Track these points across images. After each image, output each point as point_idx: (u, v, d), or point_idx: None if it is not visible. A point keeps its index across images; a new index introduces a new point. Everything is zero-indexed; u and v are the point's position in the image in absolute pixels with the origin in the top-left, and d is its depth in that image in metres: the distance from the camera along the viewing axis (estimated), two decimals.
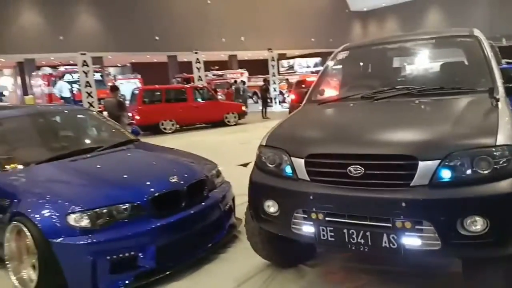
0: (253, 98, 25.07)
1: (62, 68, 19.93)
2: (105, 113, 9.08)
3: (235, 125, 14.09)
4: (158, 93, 13.80)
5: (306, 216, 2.43)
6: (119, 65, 35.29)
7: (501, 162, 2.09)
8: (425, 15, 31.87)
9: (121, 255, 2.88)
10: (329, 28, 33.37)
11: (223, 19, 29.59)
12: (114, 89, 9.05)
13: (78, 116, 4.91)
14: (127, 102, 14.19)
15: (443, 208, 2.11)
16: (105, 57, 26.89)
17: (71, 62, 21.10)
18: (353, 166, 2.27)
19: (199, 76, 17.22)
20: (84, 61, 14.35)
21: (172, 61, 29.43)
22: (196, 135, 12.55)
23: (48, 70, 19.49)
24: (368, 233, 2.24)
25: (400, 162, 2.20)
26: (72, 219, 2.80)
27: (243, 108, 14.97)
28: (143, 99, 13.29)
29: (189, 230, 3.27)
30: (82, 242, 2.77)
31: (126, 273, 2.92)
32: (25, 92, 26.40)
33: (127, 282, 2.91)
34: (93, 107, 13.80)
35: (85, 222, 2.82)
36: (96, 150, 3.90)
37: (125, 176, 3.45)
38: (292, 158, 2.53)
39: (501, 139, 2.14)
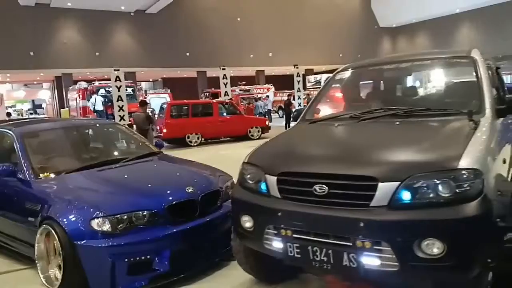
0: (279, 113, 25.36)
1: (96, 83, 20.87)
2: (134, 127, 9.56)
3: (258, 138, 14.33)
4: (185, 107, 14.27)
5: (276, 232, 2.48)
6: (151, 80, 36.49)
7: (463, 186, 2.06)
8: (456, 31, 31.41)
9: (138, 258, 3.12)
10: (358, 44, 33.40)
11: (251, 36, 30.20)
12: (143, 103, 9.53)
13: (107, 129, 5.28)
14: (156, 116, 14.77)
15: (400, 229, 2.10)
16: (137, 72, 27.94)
17: (106, 77, 22.06)
18: (318, 185, 2.32)
19: (226, 92, 17.64)
20: (117, 76, 15.06)
21: (201, 76, 30.20)
22: (220, 149, 12.87)
23: (83, 85, 20.47)
24: (330, 251, 2.27)
25: (360, 183, 2.22)
26: (95, 223, 3.07)
27: (267, 122, 15.25)
28: (171, 113, 13.78)
29: (202, 237, 3.47)
30: (103, 245, 3.03)
31: (142, 275, 3.15)
32: (61, 105, 27.69)
33: (143, 283, 3.14)
34: (124, 120, 14.41)
35: (106, 227, 3.08)
36: (122, 161, 4.21)
37: (145, 185, 3.73)
38: (266, 176, 2.59)
39: (464, 163, 2.11)
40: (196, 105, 14.78)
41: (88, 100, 19.41)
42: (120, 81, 15.11)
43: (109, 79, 16.25)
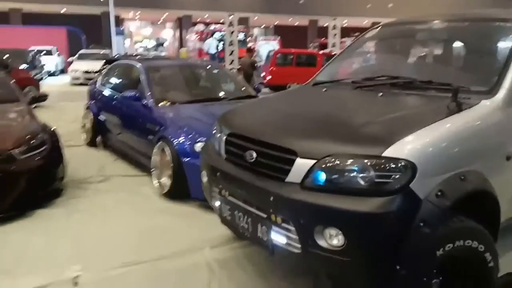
0: None
1: (212, 27, 22.11)
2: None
3: None
4: (290, 56, 14.60)
5: (217, 190, 2.47)
6: (263, 26, 37.06)
7: (384, 177, 1.77)
8: None
9: None
10: None
11: None
12: (250, 50, 10.18)
13: (215, 71, 6.01)
14: (262, 63, 15.40)
15: (304, 212, 1.92)
16: (251, 18, 28.65)
17: (222, 21, 23.22)
18: (250, 151, 2.21)
19: (334, 43, 17.40)
20: (231, 21, 15.85)
21: (312, 25, 29.81)
22: None
23: (201, 27, 21.90)
24: (249, 220, 2.22)
25: (281, 155, 2.04)
26: (197, 146, 3.79)
27: None
28: (276, 61, 14.27)
29: None
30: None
31: None
32: (181, 45, 30.00)
33: None
34: (233, 64, 15.35)
35: None
36: (223, 100, 4.89)
37: None
38: (221, 135, 2.55)
39: (391, 151, 1.78)
40: (301, 55, 14.98)
41: (204, 43, 20.81)
42: (233, 26, 15.89)
43: (223, 23, 17.17)
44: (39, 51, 17.78)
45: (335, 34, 17.56)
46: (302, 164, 1.95)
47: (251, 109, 2.98)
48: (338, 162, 1.87)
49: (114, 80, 6.01)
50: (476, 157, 2.02)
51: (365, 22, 30.09)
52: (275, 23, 34.55)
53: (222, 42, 18.90)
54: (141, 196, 4.16)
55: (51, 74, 18.33)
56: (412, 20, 3.31)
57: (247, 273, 2.73)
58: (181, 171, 3.82)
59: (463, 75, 2.62)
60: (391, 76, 2.67)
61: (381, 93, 2.46)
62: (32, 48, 17.01)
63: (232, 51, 15.84)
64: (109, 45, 20.78)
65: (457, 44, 2.99)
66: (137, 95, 4.77)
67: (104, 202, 3.97)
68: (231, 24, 15.83)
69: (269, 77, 13.94)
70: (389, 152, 1.79)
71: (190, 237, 3.19)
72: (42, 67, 16.34)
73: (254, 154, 2.19)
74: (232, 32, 15.87)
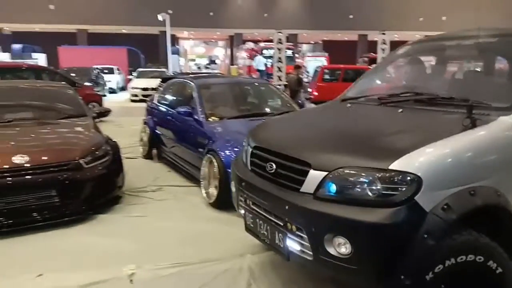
0: None
1: (261, 44, 22.68)
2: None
3: None
4: (338, 72, 14.67)
5: (242, 199, 2.66)
6: (312, 42, 37.29)
7: (390, 189, 1.84)
8: None
9: None
10: None
11: None
12: (297, 67, 10.46)
13: (261, 88, 6.30)
14: (310, 79, 15.57)
15: (315, 220, 2.03)
16: (300, 34, 29.02)
17: (271, 38, 23.78)
18: (270, 162, 2.37)
19: (383, 58, 17.20)
20: (279, 39, 16.23)
21: (361, 40, 29.58)
22: None
23: (250, 45, 22.54)
24: (269, 227, 2.37)
25: (297, 166, 2.17)
26: None
27: None
28: (323, 77, 14.39)
29: None
30: None
31: None
32: (231, 62, 30.95)
33: None
34: (281, 80, 15.65)
35: None
36: (268, 115, 5.15)
37: None
38: (248, 147, 2.73)
39: (398, 165, 1.85)
40: (348, 70, 14.99)
41: (253, 60, 21.38)
42: (282, 43, 16.25)
43: (272, 41, 17.59)
44: (102, 69, 19.19)
45: (384, 49, 17.38)
46: (315, 176, 2.06)
47: (276, 124, 3.15)
48: (348, 174, 1.96)
49: (169, 97, 6.50)
50: (490, 172, 2.01)
51: (417, 36, 29.40)
52: (323, 38, 34.67)
53: (270, 59, 19.34)
54: (191, 204, 4.47)
55: (112, 91, 19.59)
56: (441, 37, 3.34)
57: (281, 278, 2.91)
58: (227, 182, 4.09)
59: (486, 91, 2.63)
60: (415, 93, 2.70)
61: (401, 109, 2.52)
62: (95, 66, 18.42)
63: (280, 68, 16.18)
64: (165, 63, 21.97)
65: (483, 60, 3.00)
66: (189, 110, 5.14)
67: (157, 209, 4.33)
68: (279, 41, 16.20)
69: (315, 93, 14.07)
70: (395, 166, 1.86)
71: (233, 243, 3.42)
72: (104, 84, 17.62)
73: (274, 166, 2.35)
74: (280, 49, 16.24)
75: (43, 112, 5.08)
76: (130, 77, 20.97)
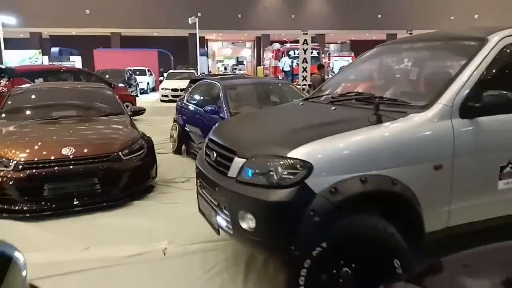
0: None
1: (287, 45, 23.01)
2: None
3: None
4: None
5: (198, 185, 3.04)
6: (339, 42, 37.25)
7: (287, 173, 2.15)
8: None
9: None
10: None
11: None
12: (320, 67, 10.76)
13: (283, 88, 6.70)
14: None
15: (233, 199, 2.38)
16: (327, 34, 29.11)
17: (297, 38, 24.07)
18: (213, 151, 2.80)
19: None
20: (305, 39, 16.52)
21: (390, 39, 29.20)
22: None
23: (277, 46, 22.91)
24: (209, 206, 2.75)
25: (227, 154, 2.56)
26: None
27: None
28: None
29: None
30: None
31: None
32: (258, 63, 31.39)
33: None
34: (306, 80, 15.94)
35: None
36: None
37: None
38: (207, 140, 3.10)
39: (294, 153, 2.18)
40: None
41: (279, 61, 21.75)
42: (307, 44, 16.53)
43: (298, 41, 17.90)
44: (134, 71, 20.05)
45: None
46: (238, 162, 2.41)
47: (234, 120, 3.49)
48: (259, 160, 2.30)
49: (197, 97, 6.99)
50: (388, 163, 2.20)
51: None
52: (351, 38, 34.55)
53: (296, 60, 19.64)
54: None
55: (143, 92, 20.41)
56: (401, 40, 3.63)
57: None
58: None
59: (414, 91, 2.93)
60: (357, 92, 3.03)
61: (334, 107, 2.85)
62: (128, 68, 19.28)
63: (305, 68, 16.46)
64: (194, 65, 22.65)
65: (421, 62, 3.25)
66: (216, 109, 5.59)
67: (185, 197, 4.77)
68: (305, 42, 16.49)
69: None
70: (292, 154, 2.18)
71: None
72: (136, 85, 18.43)
73: (215, 154, 2.76)
74: (305, 50, 16.52)
75: (85, 110, 5.68)
76: (160, 78, 21.75)
